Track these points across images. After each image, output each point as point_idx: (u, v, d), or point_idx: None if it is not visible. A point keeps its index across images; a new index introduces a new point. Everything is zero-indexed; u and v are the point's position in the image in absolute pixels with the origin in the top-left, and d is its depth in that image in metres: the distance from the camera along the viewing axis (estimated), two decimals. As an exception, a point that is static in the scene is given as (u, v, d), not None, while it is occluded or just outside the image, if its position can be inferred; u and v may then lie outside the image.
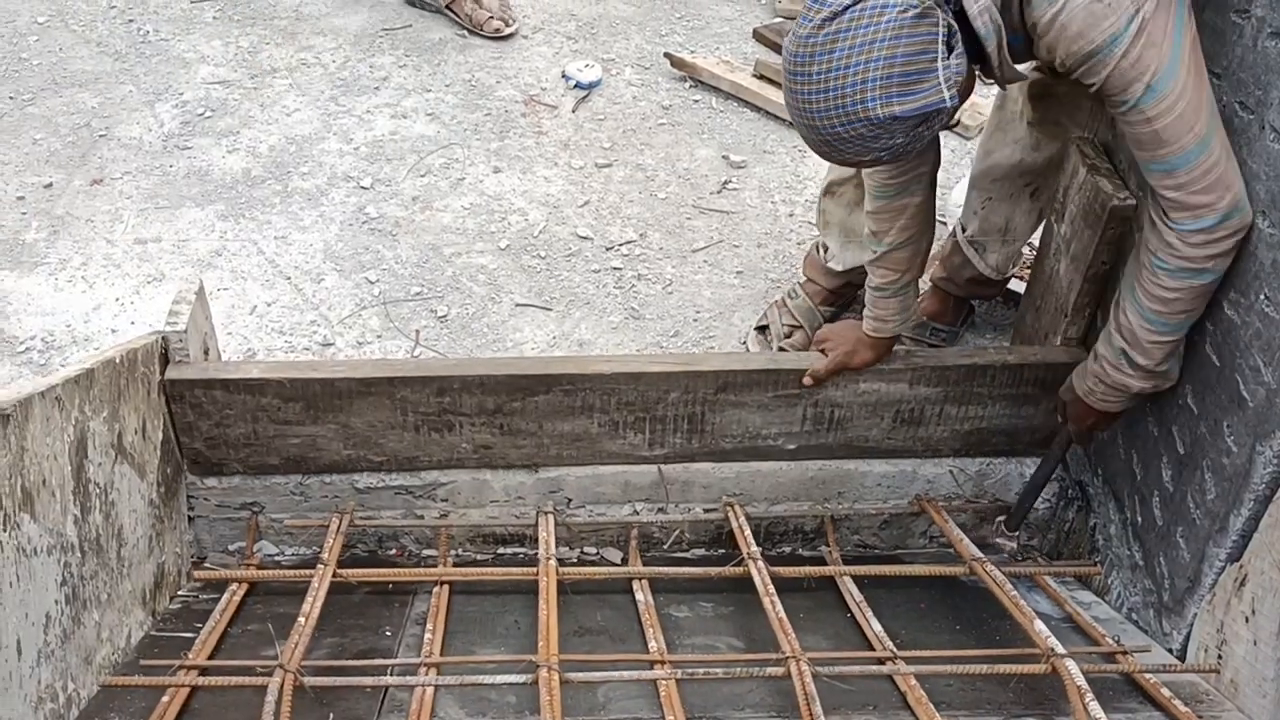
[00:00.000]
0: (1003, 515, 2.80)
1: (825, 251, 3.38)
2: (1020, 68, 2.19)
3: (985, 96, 4.45)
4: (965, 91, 2.13)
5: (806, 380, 2.61)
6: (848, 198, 3.20)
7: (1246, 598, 2.06)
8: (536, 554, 2.53)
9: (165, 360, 2.47)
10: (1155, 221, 2.14)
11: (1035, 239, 3.08)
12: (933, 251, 3.73)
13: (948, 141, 4.42)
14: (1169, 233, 2.11)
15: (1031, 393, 2.67)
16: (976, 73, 2.19)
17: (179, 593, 2.54)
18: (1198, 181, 2.04)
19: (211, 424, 2.55)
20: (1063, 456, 2.67)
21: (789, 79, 2.01)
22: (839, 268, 3.35)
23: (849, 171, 3.13)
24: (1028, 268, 3.73)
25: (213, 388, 2.49)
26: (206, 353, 2.60)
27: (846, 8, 1.92)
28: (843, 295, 3.51)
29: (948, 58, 1.93)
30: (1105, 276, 2.58)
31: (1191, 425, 2.26)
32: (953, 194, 3.74)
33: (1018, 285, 3.60)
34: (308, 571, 2.42)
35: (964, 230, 3.28)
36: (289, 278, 3.75)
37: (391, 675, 2.17)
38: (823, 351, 2.66)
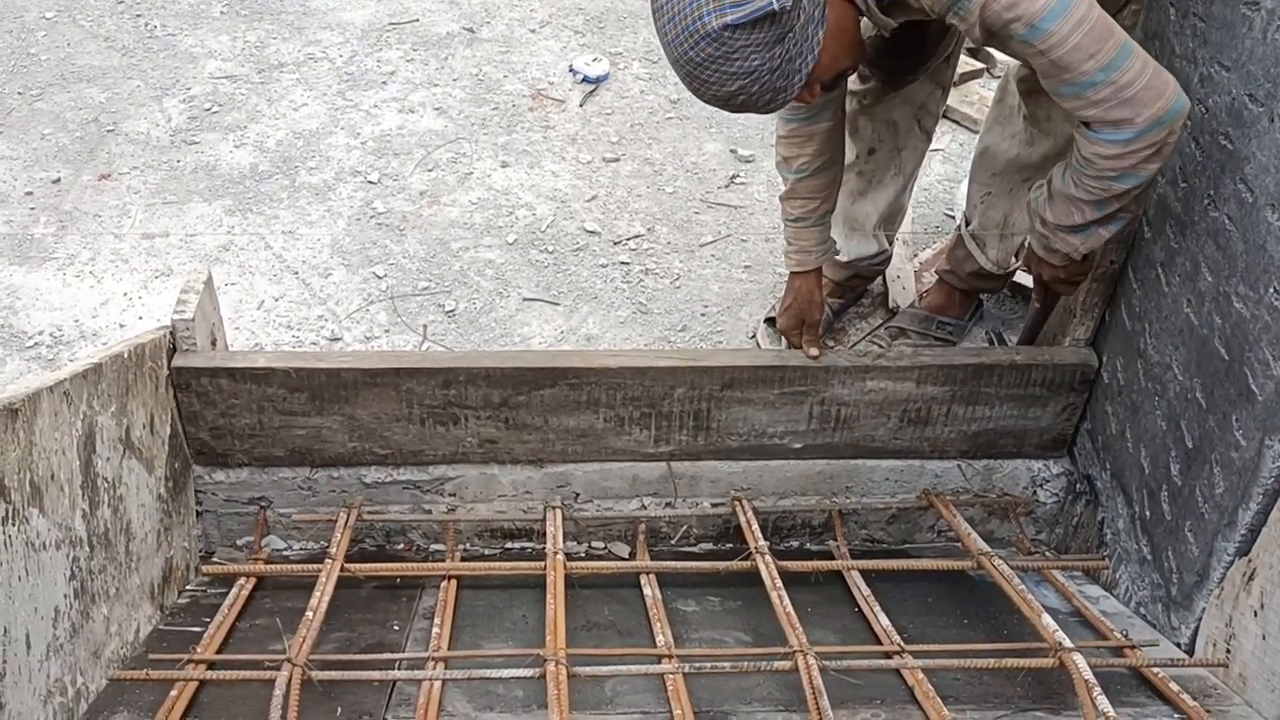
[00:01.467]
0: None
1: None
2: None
3: (987, 87, 4.44)
4: (853, 43, 2.22)
5: (813, 353, 2.65)
6: (849, 187, 3.20)
7: (1255, 592, 2.06)
8: (544, 548, 2.53)
9: (173, 353, 2.48)
10: (1079, 128, 2.19)
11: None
12: (938, 246, 3.75)
13: (955, 135, 4.42)
14: (1086, 145, 2.17)
15: (1040, 393, 2.67)
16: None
17: (187, 587, 2.55)
18: (1110, 99, 2.08)
19: (217, 413, 2.55)
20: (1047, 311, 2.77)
21: (654, 21, 2.09)
22: (845, 258, 3.34)
23: (849, 156, 3.14)
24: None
25: (219, 376, 2.50)
26: (214, 343, 2.60)
27: None
28: (851, 288, 3.51)
29: None
30: (1114, 276, 2.57)
31: (1200, 419, 2.25)
32: (961, 187, 3.73)
33: (1026, 278, 3.60)
34: (315, 566, 2.42)
35: (968, 224, 3.28)
36: (296, 272, 3.76)
37: (399, 669, 2.17)
38: (791, 343, 2.78)
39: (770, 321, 3.46)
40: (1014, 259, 3.34)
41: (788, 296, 2.80)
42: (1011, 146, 3.04)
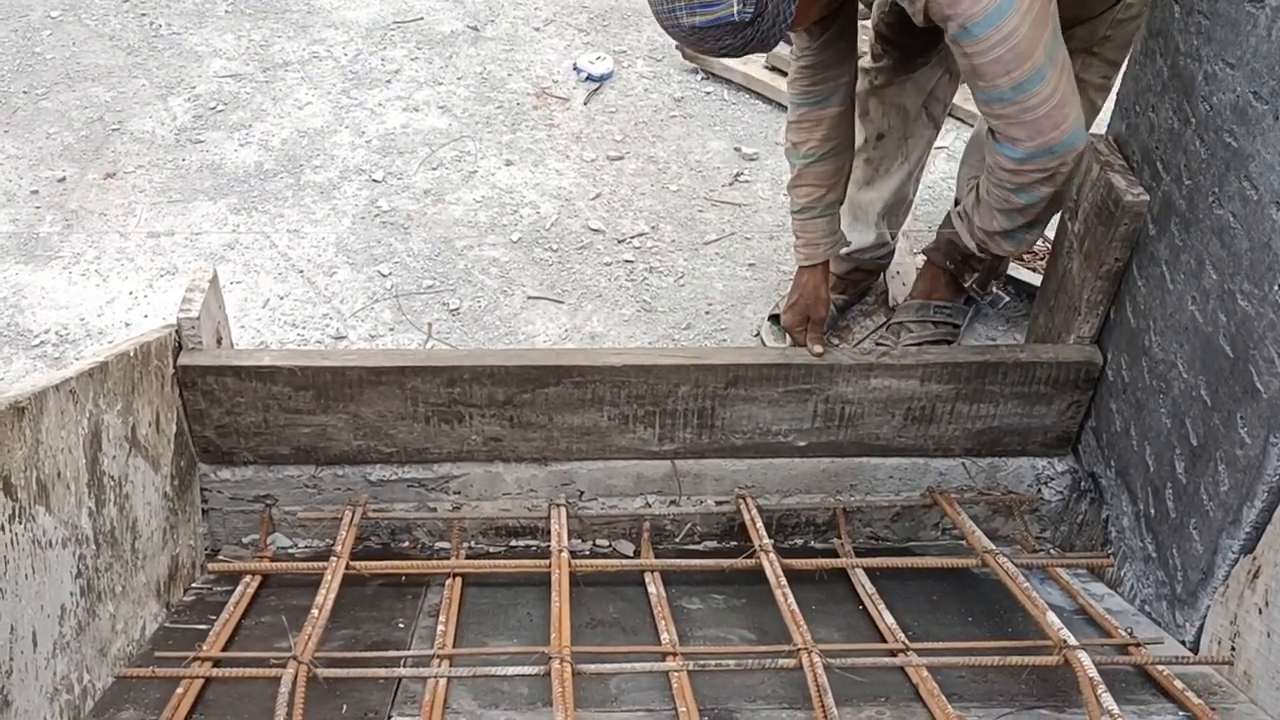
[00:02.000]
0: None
1: None
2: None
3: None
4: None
5: (818, 350, 2.65)
6: (855, 174, 3.20)
7: (1260, 590, 2.06)
8: (549, 546, 2.53)
9: (179, 352, 2.48)
10: (988, 133, 2.33)
11: (1049, 232, 3.08)
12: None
13: (960, 134, 4.41)
14: (990, 152, 2.31)
15: (1045, 391, 2.67)
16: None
17: (193, 585, 2.55)
18: (1012, 116, 2.20)
19: (223, 411, 2.55)
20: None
21: None
22: (847, 249, 3.34)
23: (856, 143, 3.14)
24: (1035, 255, 3.73)
25: (224, 375, 2.50)
26: (219, 341, 2.61)
27: None
28: (854, 282, 3.51)
29: None
30: (1119, 274, 2.57)
31: (1205, 417, 2.25)
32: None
33: (1029, 275, 3.60)
34: (321, 564, 2.42)
35: (957, 204, 3.30)
36: (301, 271, 3.76)
37: (404, 667, 2.17)
38: (795, 340, 2.82)
39: (775, 319, 3.46)
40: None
41: (794, 292, 2.80)
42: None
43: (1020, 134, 2.22)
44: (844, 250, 3.35)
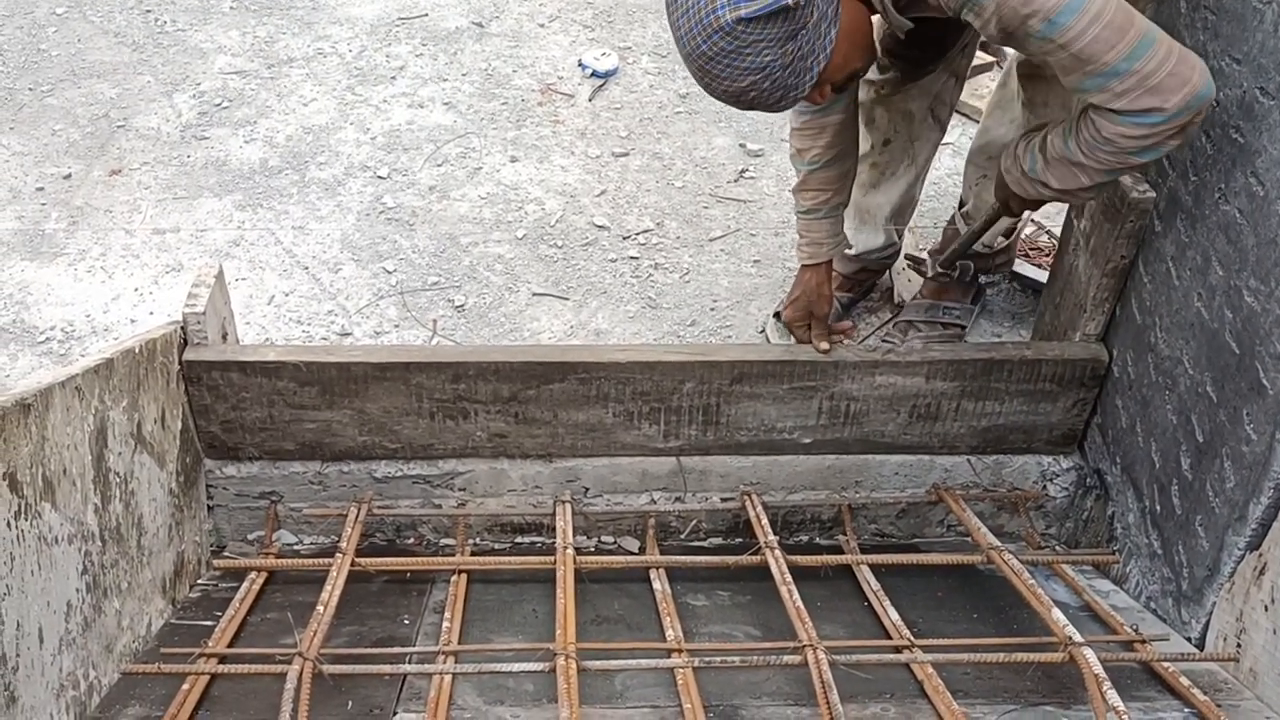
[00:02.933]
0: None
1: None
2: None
3: (996, 80, 4.43)
4: (866, 44, 2.23)
5: (824, 347, 2.65)
6: (862, 179, 3.21)
7: (1266, 586, 2.06)
8: (554, 543, 2.54)
9: (184, 348, 2.48)
10: (1100, 109, 2.14)
11: (1054, 229, 3.08)
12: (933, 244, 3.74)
13: (966, 130, 4.41)
14: (1109, 126, 2.13)
15: (1050, 389, 2.66)
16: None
17: (198, 581, 2.56)
18: (1135, 89, 2.05)
19: (228, 407, 2.56)
20: (996, 218, 2.79)
21: (668, 14, 2.10)
22: (854, 250, 3.35)
23: (864, 146, 3.15)
24: (1041, 252, 3.72)
25: (229, 370, 2.50)
26: (225, 337, 2.61)
27: None
28: (859, 282, 3.51)
29: None
30: (1125, 271, 2.57)
31: (1211, 413, 2.25)
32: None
33: (1035, 272, 3.59)
34: (326, 560, 2.43)
35: (961, 206, 3.30)
36: (307, 268, 3.76)
37: (410, 663, 2.17)
38: (797, 337, 2.78)
39: (780, 315, 3.46)
40: (1002, 238, 3.36)
41: (796, 289, 2.80)
42: (1009, 132, 3.05)
43: (1152, 101, 2.06)
44: (852, 251, 3.35)
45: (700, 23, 2.01)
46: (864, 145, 3.12)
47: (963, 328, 3.38)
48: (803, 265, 2.79)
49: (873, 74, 3.03)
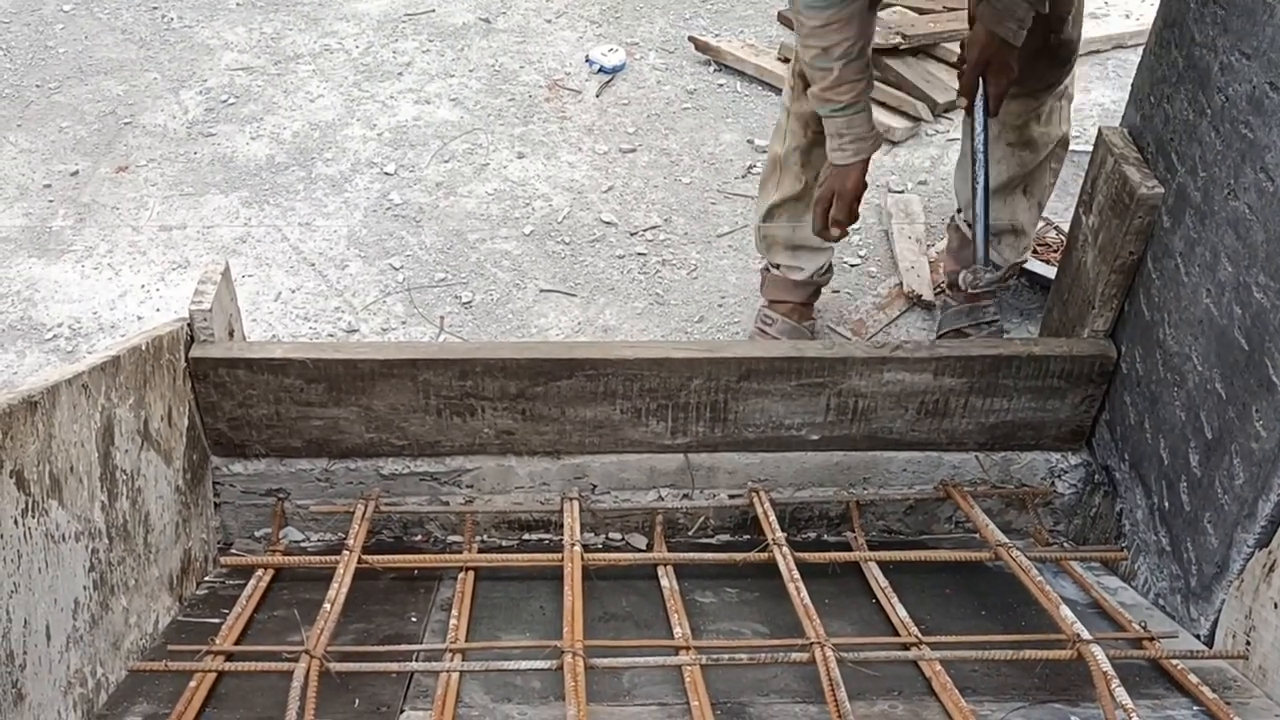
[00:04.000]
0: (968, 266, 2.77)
1: (780, 269, 3.35)
2: None
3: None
4: None
5: (833, 231, 2.77)
6: (786, 215, 3.23)
7: (1275, 584, 2.05)
8: (561, 540, 2.53)
9: (190, 345, 2.49)
10: None
11: (1063, 225, 3.08)
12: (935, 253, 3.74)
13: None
14: None
15: (1058, 385, 2.66)
16: None
17: (205, 579, 2.56)
18: None
19: (235, 404, 2.56)
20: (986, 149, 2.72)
21: None
22: (803, 275, 3.32)
23: (787, 191, 3.19)
24: (1049, 248, 3.72)
25: (236, 367, 2.50)
26: (231, 334, 2.61)
27: None
28: (813, 303, 3.51)
29: None
30: (1133, 268, 2.56)
31: (1220, 410, 2.24)
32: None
33: (1043, 268, 3.59)
34: (333, 557, 2.42)
35: (960, 212, 3.32)
36: (313, 264, 3.76)
37: (417, 661, 2.17)
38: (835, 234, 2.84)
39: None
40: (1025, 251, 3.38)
41: (841, 183, 2.75)
42: (1001, 170, 3.12)
43: None
44: (802, 276, 3.32)
45: None
46: (795, 188, 3.17)
47: (1000, 321, 3.40)
48: (844, 165, 2.74)
49: (799, 127, 3.06)
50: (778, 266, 3.35)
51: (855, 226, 2.81)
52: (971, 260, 2.80)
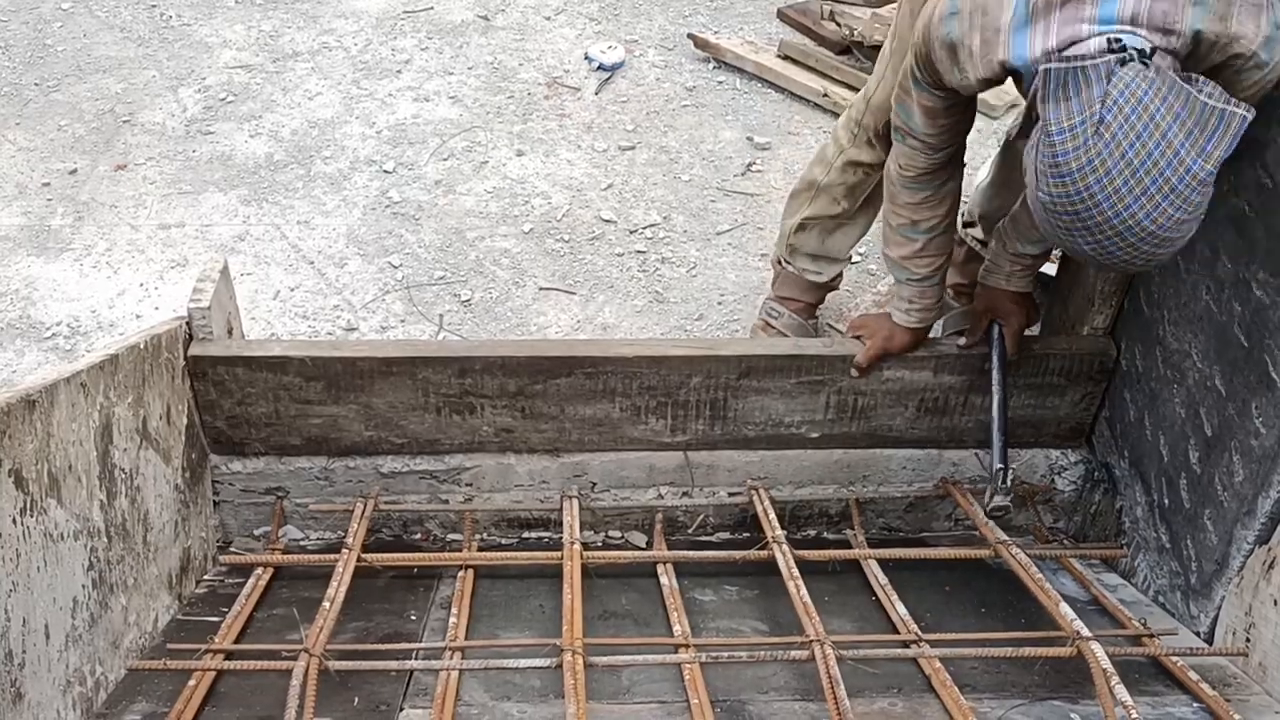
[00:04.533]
0: (991, 486, 2.61)
1: (798, 269, 3.32)
2: None
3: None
4: None
5: (854, 372, 2.61)
6: (818, 230, 3.21)
7: (1275, 580, 2.05)
8: (561, 538, 2.53)
9: (189, 343, 2.48)
10: None
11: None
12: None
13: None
14: None
15: (1058, 383, 2.66)
16: None
17: (205, 577, 2.56)
18: None
19: (234, 402, 2.55)
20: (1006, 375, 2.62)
21: (1083, 212, 1.84)
22: (821, 279, 3.31)
23: (822, 210, 3.16)
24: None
25: (235, 365, 2.50)
26: (230, 332, 2.61)
27: (1101, 113, 1.79)
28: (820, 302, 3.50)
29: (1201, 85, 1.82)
30: (1132, 264, 2.56)
31: (1219, 407, 2.24)
32: (980, 172, 3.71)
33: (1045, 267, 3.58)
34: (332, 556, 2.42)
35: (977, 240, 3.29)
36: (312, 262, 3.76)
37: (416, 659, 2.17)
38: (859, 339, 2.65)
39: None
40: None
41: (892, 342, 2.63)
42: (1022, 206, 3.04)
43: None
44: (821, 280, 3.31)
45: (1171, 189, 1.79)
46: (836, 208, 3.13)
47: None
48: (906, 327, 2.64)
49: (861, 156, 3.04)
50: (791, 265, 3.34)
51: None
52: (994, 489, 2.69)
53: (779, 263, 3.41)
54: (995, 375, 2.58)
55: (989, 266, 2.64)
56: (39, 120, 4.39)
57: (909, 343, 2.61)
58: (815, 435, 2.70)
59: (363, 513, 2.57)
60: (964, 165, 2.52)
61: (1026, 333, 2.67)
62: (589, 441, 2.68)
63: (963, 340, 2.65)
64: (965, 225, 3.40)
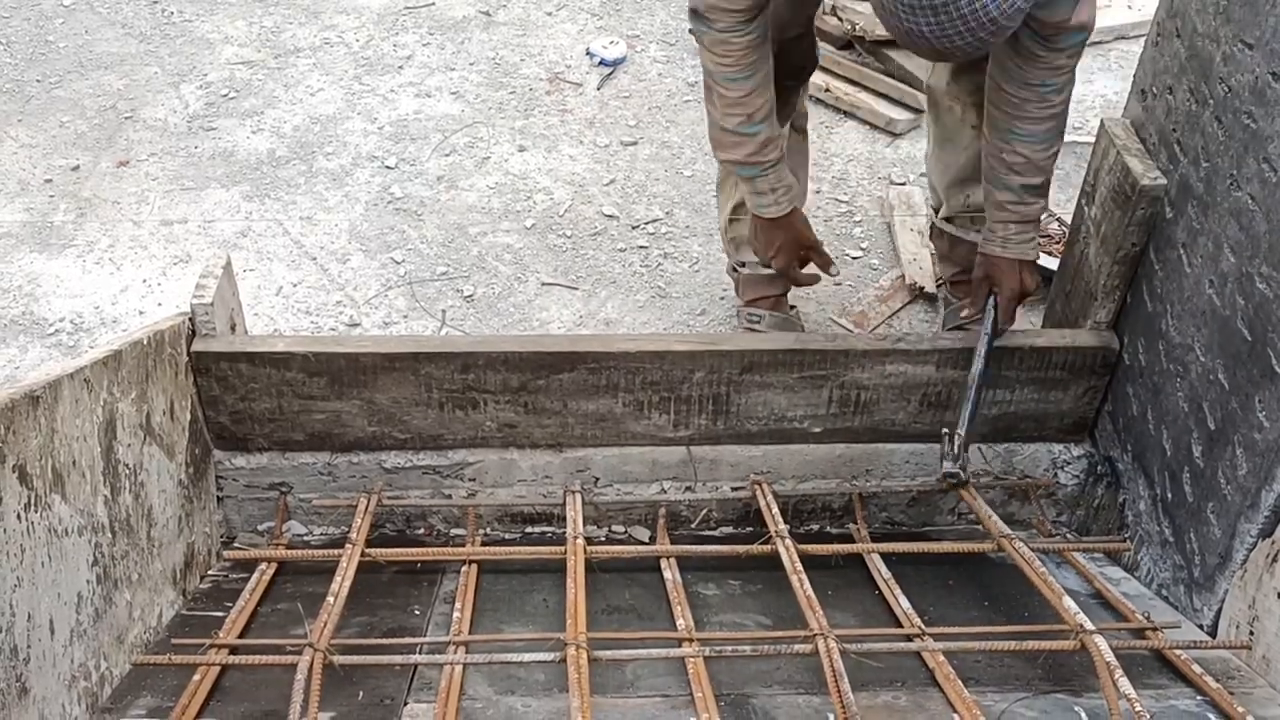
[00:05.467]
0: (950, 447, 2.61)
1: (748, 266, 3.33)
2: None
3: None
4: None
5: (834, 270, 2.83)
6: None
7: (1279, 574, 2.05)
8: (564, 533, 2.53)
9: (192, 339, 2.49)
10: (1036, 54, 2.35)
11: (1065, 216, 3.06)
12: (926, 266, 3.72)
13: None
14: (1056, 55, 2.35)
15: (1060, 376, 2.66)
16: None
17: (209, 572, 2.56)
18: (1086, 4, 2.29)
19: (237, 398, 2.56)
20: (991, 347, 2.62)
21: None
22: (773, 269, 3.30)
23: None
24: (1052, 240, 3.71)
25: (238, 361, 2.50)
26: (233, 328, 2.61)
27: None
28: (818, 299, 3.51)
29: None
30: (1135, 259, 2.56)
31: (1223, 400, 2.24)
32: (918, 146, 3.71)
33: (1046, 260, 3.58)
34: (336, 551, 2.42)
35: (950, 221, 3.28)
36: (314, 258, 3.76)
37: (420, 654, 2.17)
38: (799, 279, 2.88)
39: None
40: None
41: (775, 238, 2.78)
42: (972, 154, 3.02)
43: (1086, 15, 2.30)
44: (771, 271, 3.14)
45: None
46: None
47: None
48: (775, 219, 2.75)
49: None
50: (745, 265, 3.33)
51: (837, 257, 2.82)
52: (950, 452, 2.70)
53: (732, 270, 3.41)
54: (981, 342, 2.58)
55: (986, 234, 2.68)
56: (41, 117, 4.39)
57: (799, 227, 2.81)
58: (818, 430, 2.70)
59: (366, 508, 2.57)
60: (772, 53, 2.64)
61: (1031, 318, 2.68)
62: (592, 436, 2.68)
63: (965, 312, 2.68)
64: (935, 211, 3.38)
